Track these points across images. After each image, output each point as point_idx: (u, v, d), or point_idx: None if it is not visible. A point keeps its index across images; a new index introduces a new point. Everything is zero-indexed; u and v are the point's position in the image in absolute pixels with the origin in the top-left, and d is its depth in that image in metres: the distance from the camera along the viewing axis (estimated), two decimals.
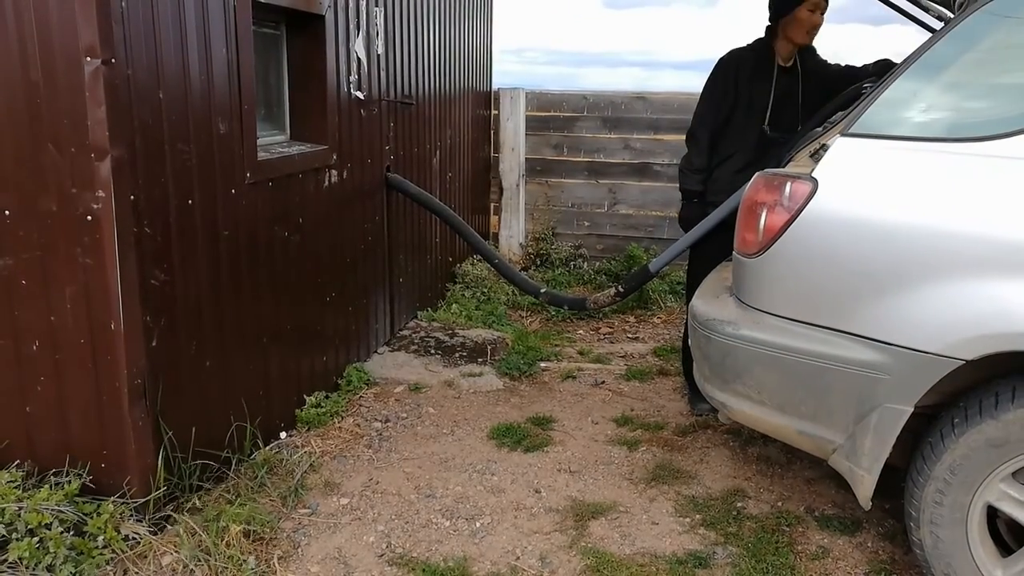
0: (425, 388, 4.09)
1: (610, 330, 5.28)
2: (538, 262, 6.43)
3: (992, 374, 2.17)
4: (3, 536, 2.35)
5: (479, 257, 5.47)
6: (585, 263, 6.42)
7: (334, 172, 3.77)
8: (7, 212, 2.44)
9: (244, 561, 2.53)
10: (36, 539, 2.34)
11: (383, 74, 4.27)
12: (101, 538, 2.44)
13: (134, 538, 2.51)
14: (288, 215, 3.37)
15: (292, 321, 3.46)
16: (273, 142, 3.49)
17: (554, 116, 6.47)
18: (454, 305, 5.34)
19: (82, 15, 2.25)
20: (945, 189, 2.18)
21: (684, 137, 3.77)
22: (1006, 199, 2.09)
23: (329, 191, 3.73)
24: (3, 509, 2.37)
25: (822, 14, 3.48)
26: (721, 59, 3.63)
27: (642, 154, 6.33)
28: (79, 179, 2.36)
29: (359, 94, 3.97)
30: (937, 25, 3.75)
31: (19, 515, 2.37)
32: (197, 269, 2.79)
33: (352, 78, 3.88)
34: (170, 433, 2.68)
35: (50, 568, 2.34)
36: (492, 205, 6.66)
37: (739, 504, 3.01)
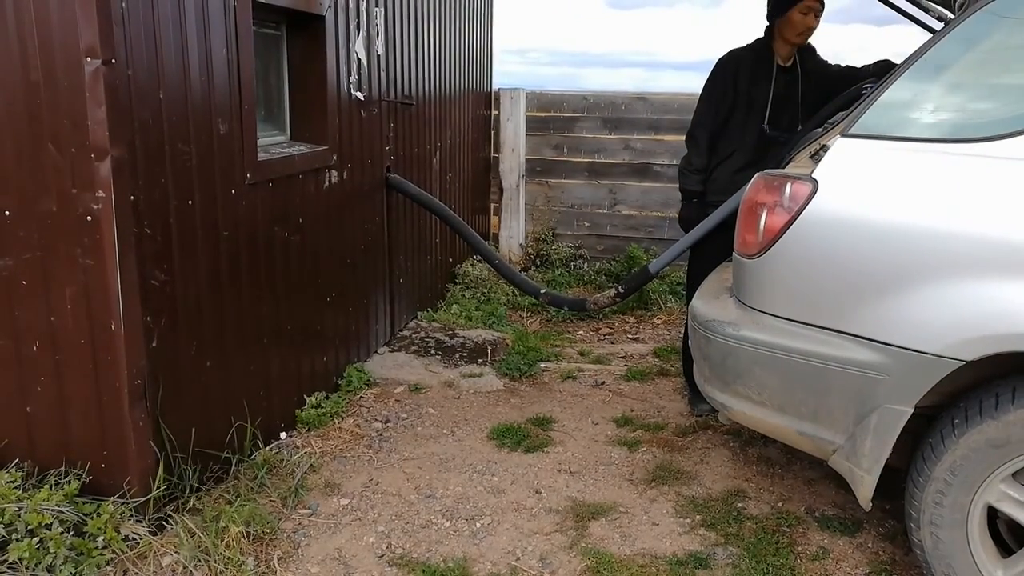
0: (425, 388, 4.09)
1: (610, 331, 5.28)
2: (538, 263, 6.43)
3: (992, 375, 2.16)
4: (3, 536, 2.35)
5: (479, 258, 5.47)
6: (585, 264, 6.42)
7: (334, 172, 3.77)
8: (7, 212, 2.44)
9: (244, 562, 2.53)
10: (36, 539, 2.34)
11: (383, 74, 4.27)
12: (101, 538, 2.44)
13: (134, 538, 2.51)
14: (288, 215, 3.37)
15: (292, 321, 3.45)
16: (273, 142, 3.49)
17: (554, 116, 6.48)
18: (454, 306, 5.34)
19: (82, 16, 2.25)
20: (945, 190, 2.18)
21: (684, 138, 3.77)
22: (1006, 200, 2.09)
23: (329, 191, 3.73)
24: (3, 509, 2.37)
25: (816, 17, 3.49)
26: (720, 59, 3.63)
27: (642, 155, 6.33)
28: (79, 179, 2.36)
29: (359, 94, 3.97)
30: (937, 26, 3.75)
31: (19, 515, 2.37)
32: (197, 269, 2.79)
33: (352, 78, 3.88)
34: (170, 433, 2.68)
35: (50, 568, 2.34)
36: (492, 205, 6.66)
37: (739, 505, 3.01)
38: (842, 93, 3.24)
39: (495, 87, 6.66)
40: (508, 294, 5.59)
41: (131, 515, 2.55)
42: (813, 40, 3.61)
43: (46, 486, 2.48)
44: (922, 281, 2.14)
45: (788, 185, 2.37)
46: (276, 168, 3.25)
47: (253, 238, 3.11)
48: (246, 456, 3.12)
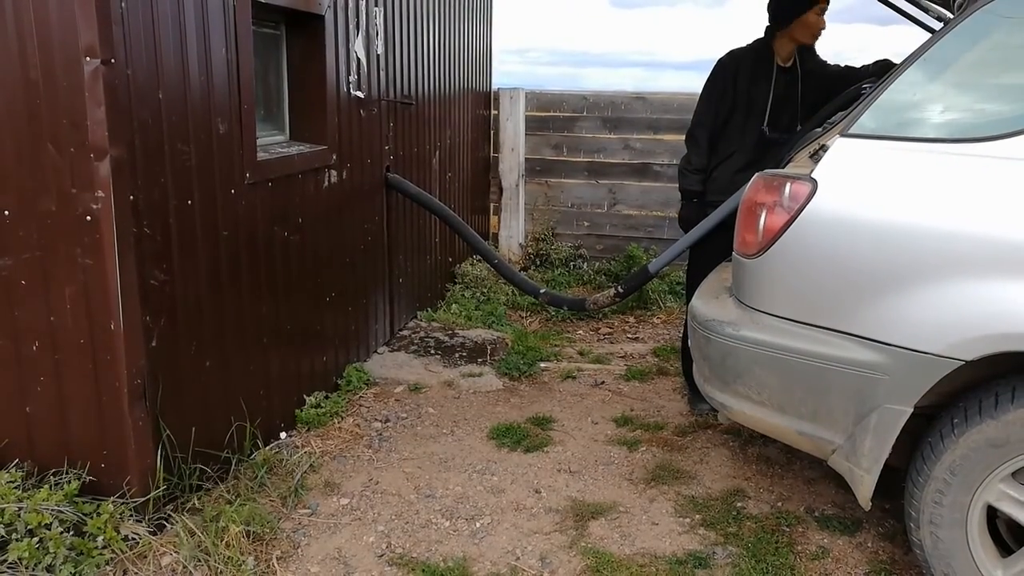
0: (425, 388, 4.09)
1: (610, 330, 5.28)
2: (538, 262, 6.43)
3: (991, 374, 2.17)
4: (3, 536, 2.34)
5: (479, 257, 5.47)
6: (585, 263, 6.42)
7: (334, 172, 3.77)
8: (7, 212, 2.44)
9: (243, 561, 2.53)
10: (36, 539, 2.34)
11: (383, 74, 4.27)
12: (101, 538, 2.44)
13: (133, 538, 2.51)
14: (288, 215, 3.37)
15: (292, 321, 3.45)
16: (273, 142, 3.49)
17: (554, 116, 6.48)
18: (454, 305, 5.35)
19: (82, 15, 2.25)
20: (945, 190, 2.18)
21: (684, 137, 3.77)
22: (1006, 200, 2.09)
23: (329, 191, 3.73)
24: (3, 509, 2.37)
25: (823, 16, 3.50)
26: (720, 59, 3.63)
27: (642, 154, 6.33)
28: (78, 179, 2.36)
29: (359, 94, 3.97)
30: (937, 25, 3.75)
31: (19, 515, 2.37)
32: (197, 269, 2.79)
33: (352, 78, 3.88)
34: (170, 433, 2.68)
35: (50, 568, 2.34)
36: (492, 205, 6.67)
37: (739, 504, 3.01)
38: (841, 93, 3.25)
39: (495, 87, 6.66)
40: (508, 294, 5.59)
41: (131, 515, 2.54)
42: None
43: (46, 486, 2.48)
44: (922, 281, 2.14)
45: (787, 185, 2.37)
46: (275, 168, 3.25)
47: (253, 238, 3.11)
48: (246, 456, 3.12)
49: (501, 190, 6.58)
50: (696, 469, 3.29)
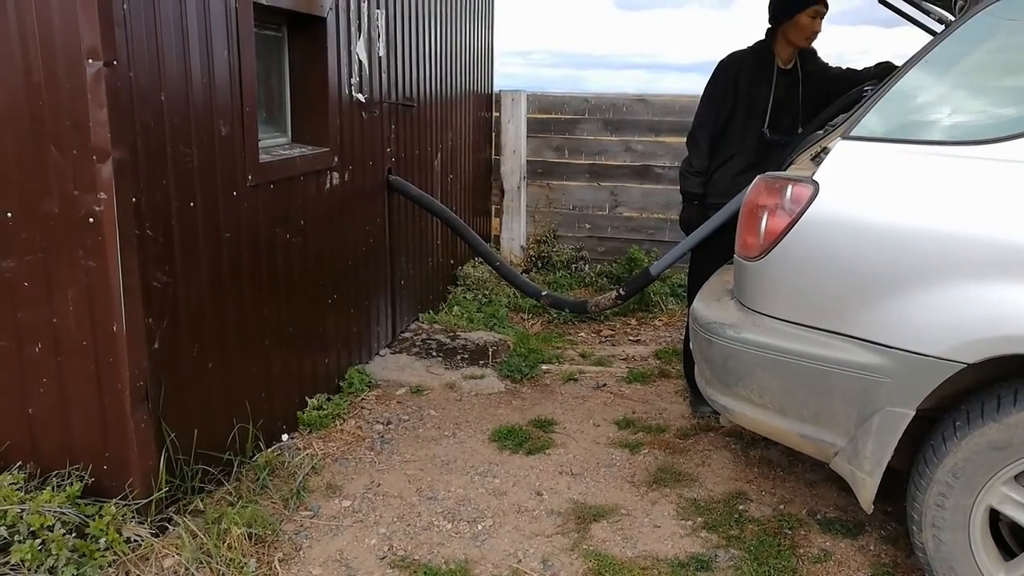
0: (427, 390, 4.09)
1: (611, 332, 5.28)
2: (539, 264, 6.43)
3: (993, 377, 2.16)
4: (5, 538, 2.35)
5: (480, 259, 5.47)
6: (586, 265, 6.42)
7: (335, 174, 3.77)
8: (9, 214, 2.45)
9: (245, 563, 2.53)
10: (38, 541, 2.34)
11: (384, 76, 4.28)
12: (103, 540, 2.44)
13: (136, 540, 2.51)
14: (289, 217, 3.37)
15: (294, 323, 3.46)
16: (274, 144, 3.50)
17: (555, 118, 6.48)
18: (455, 307, 5.35)
19: (84, 17, 2.25)
20: (946, 192, 2.18)
21: (685, 140, 3.77)
22: (1008, 202, 2.09)
23: (331, 193, 3.74)
24: (5, 511, 2.37)
25: (821, 20, 3.50)
26: (721, 61, 3.63)
27: (643, 156, 6.33)
28: (81, 181, 2.36)
29: (360, 96, 3.97)
30: (938, 28, 3.75)
31: (21, 517, 2.37)
32: (199, 271, 2.79)
33: (353, 80, 3.89)
34: (172, 435, 2.68)
35: (52, 570, 2.34)
36: (493, 207, 6.67)
37: (741, 507, 3.01)
38: (842, 95, 3.24)
39: (496, 89, 6.66)
40: (509, 296, 5.59)
41: (133, 517, 2.55)
42: (816, 42, 3.62)
43: (48, 488, 2.49)
44: (924, 284, 2.14)
45: (789, 187, 2.37)
46: (277, 170, 3.25)
47: (255, 240, 3.12)
48: (248, 458, 3.12)
49: (502, 192, 6.58)
50: (698, 472, 3.29)
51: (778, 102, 3.55)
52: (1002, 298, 2.04)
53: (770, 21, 3.56)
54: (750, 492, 3.12)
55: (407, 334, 4.84)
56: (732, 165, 3.59)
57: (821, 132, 2.81)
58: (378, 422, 3.70)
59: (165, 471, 2.64)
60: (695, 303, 2.81)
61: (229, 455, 3.02)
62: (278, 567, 2.58)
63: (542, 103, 6.51)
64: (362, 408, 3.84)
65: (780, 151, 3.29)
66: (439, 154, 5.33)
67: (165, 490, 2.64)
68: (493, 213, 6.67)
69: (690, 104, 6.02)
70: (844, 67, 3.72)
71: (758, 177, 2.56)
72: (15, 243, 2.46)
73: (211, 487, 2.90)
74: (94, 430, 2.56)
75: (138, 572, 2.46)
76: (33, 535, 2.35)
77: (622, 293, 4.08)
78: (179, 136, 2.64)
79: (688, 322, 2.96)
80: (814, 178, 2.33)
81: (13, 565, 2.30)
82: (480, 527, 2.88)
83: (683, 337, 4.21)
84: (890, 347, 2.19)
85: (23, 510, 2.38)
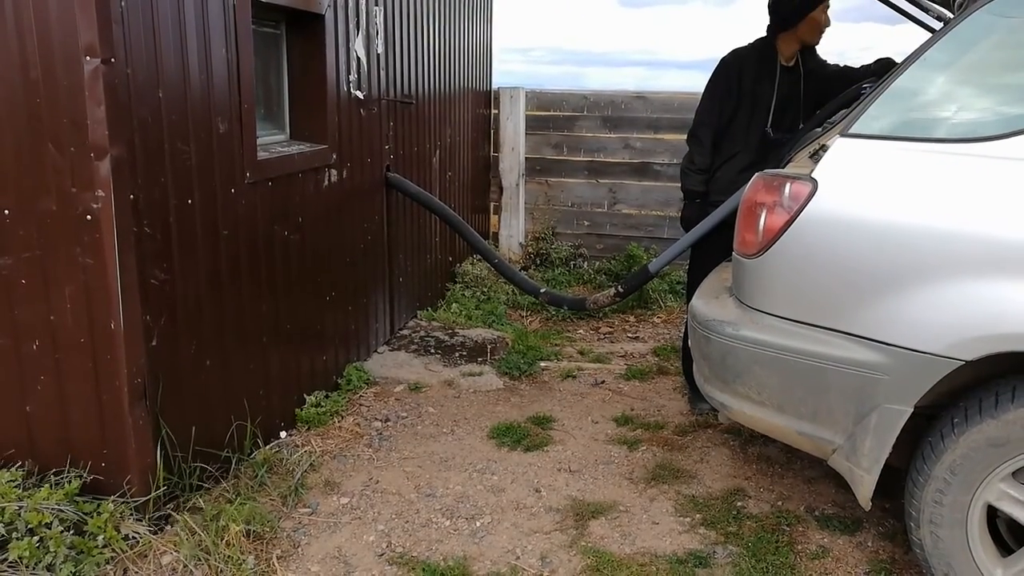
0: (425, 387, 4.09)
1: (610, 329, 5.28)
2: (538, 262, 6.43)
3: (991, 374, 2.16)
4: (3, 536, 2.35)
5: (479, 257, 5.47)
6: (585, 263, 6.42)
7: (334, 171, 3.77)
8: (7, 212, 2.44)
9: (244, 560, 2.53)
10: (36, 538, 2.34)
11: (383, 73, 4.27)
12: (101, 537, 2.44)
13: (134, 537, 2.52)
14: (288, 214, 3.37)
15: (292, 320, 3.46)
16: (273, 141, 3.49)
17: (554, 115, 6.47)
18: (454, 304, 5.35)
19: (82, 14, 2.25)
20: (945, 190, 2.18)
21: (684, 136, 3.76)
22: (1006, 200, 2.09)
23: (329, 190, 3.73)
24: (3, 508, 2.37)
25: (827, 13, 3.52)
26: (723, 59, 3.62)
27: (642, 153, 6.33)
28: (79, 178, 2.36)
29: (359, 93, 3.97)
30: (936, 25, 3.75)
31: (19, 514, 2.37)
32: (197, 268, 2.79)
33: (352, 77, 3.88)
34: (170, 432, 2.68)
35: (50, 567, 2.34)
36: (492, 204, 6.67)
37: (739, 503, 3.01)
38: (841, 93, 3.24)
39: (495, 86, 6.66)
40: (508, 293, 5.59)
41: (131, 514, 2.55)
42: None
43: (46, 485, 2.49)
44: (922, 281, 2.14)
45: (787, 185, 2.37)
46: (276, 167, 3.25)
47: (253, 237, 3.11)
48: (246, 455, 3.12)
49: (501, 189, 6.58)
50: (696, 468, 3.29)
51: (780, 99, 3.55)
52: (1000, 295, 2.04)
53: (780, 20, 3.52)
54: (748, 489, 3.12)
55: (405, 331, 4.84)
56: (735, 163, 3.58)
57: (820, 129, 2.81)
58: (376, 419, 3.70)
59: (163, 468, 2.64)
60: (694, 300, 2.81)
61: (227, 452, 3.02)
62: (276, 564, 2.58)
63: (541, 100, 6.51)
64: (360, 405, 3.84)
65: (781, 149, 3.28)
66: (438, 151, 5.33)
67: (163, 487, 2.64)
68: (492, 210, 6.67)
69: (689, 101, 6.04)
70: (842, 64, 3.72)
71: (756, 175, 2.56)
72: (13, 240, 2.46)
73: (209, 484, 2.90)
74: (92, 427, 2.56)
75: (136, 569, 2.46)
76: (31, 532, 2.35)
77: (620, 290, 4.08)
78: (177, 133, 2.64)
79: (687, 319, 2.96)
80: (812, 175, 2.33)
81: (11, 562, 2.31)
82: (478, 524, 2.88)
83: (682, 334, 4.22)
84: (888, 344, 2.19)
85: (21, 507, 2.38)
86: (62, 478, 2.56)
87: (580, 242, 6.51)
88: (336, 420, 3.61)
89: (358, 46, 3.92)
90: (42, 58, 2.30)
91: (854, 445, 2.32)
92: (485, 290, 5.61)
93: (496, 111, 6.53)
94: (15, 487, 2.45)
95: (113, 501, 2.52)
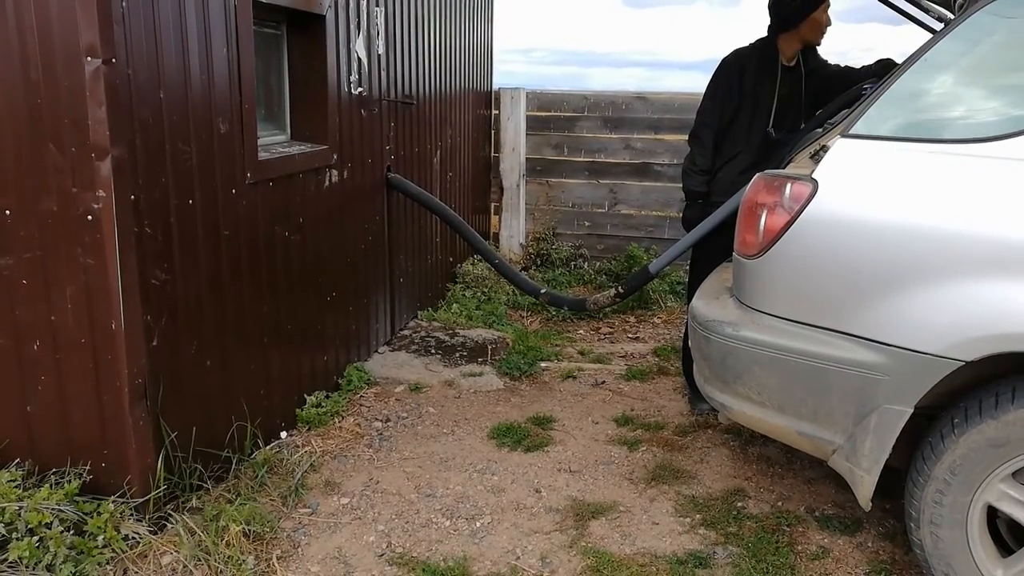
0: (425, 388, 4.09)
1: (610, 330, 5.28)
2: (538, 262, 6.43)
3: (991, 375, 2.16)
4: (3, 535, 2.35)
5: (479, 257, 5.47)
6: (585, 263, 6.42)
7: (335, 172, 3.77)
8: (8, 212, 2.44)
9: (244, 561, 2.53)
10: (36, 538, 2.34)
11: (384, 74, 4.27)
12: (101, 537, 2.44)
13: (134, 537, 2.52)
14: (289, 215, 3.37)
15: (292, 321, 3.46)
16: (274, 142, 3.49)
17: (555, 116, 6.47)
18: (454, 305, 5.35)
19: (83, 15, 2.25)
20: (946, 191, 2.18)
21: (685, 137, 3.76)
22: (1007, 200, 2.09)
23: (330, 191, 3.73)
24: (3, 508, 2.37)
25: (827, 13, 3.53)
26: (725, 59, 3.61)
27: (643, 154, 6.33)
28: (80, 179, 2.36)
29: (360, 94, 3.97)
30: (937, 26, 3.75)
31: (19, 514, 2.37)
32: (198, 269, 2.79)
33: (353, 78, 3.88)
34: (170, 433, 2.68)
35: (50, 567, 2.34)
36: (492, 205, 6.67)
37: (739, 504, 3.01)
38: (842, 93, 3.24)
39: (496, 86, 6.66)
40: (508, 293, 5.59)
41: (131, 514, 2.55)
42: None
43: (46, 485, 2.49)
44: (922, 281, 2.14)
45: (788, 185, 2.37)
46: (276, 167, 3.25)
47: (253, 237, 3.11)
48: (246, 455, 3.12)
49: (502, 190, 6.58)
50: (696, 469, 3.29)
51: (782, 100, 3.54)
52: (1000, 296, 2.04)
53: (782, 21, 3.52)
54: (748, 489, 3.12)
55: (406, 331, 4.84)
56: (736, 163, 3.57)
57: (820, 130, 2.81)
58: (377, 419, 3.70)
59: (163, 468, 2.64)
60: (694, 301, 2.81)
61: (227, 452, 3.02)
62: (276, 564, 2.59)
63: (541, 101, 6.51)
64: (361, 406, 3.84)
65: (782, 149, 3.28)
66: (438, 152, 5.33)
67: (163, 487, 2.64)
68: (492, 211, 6.67)
69: (689, 102, 6.04)
70: (843, 65, 3.72)
71: (757, 175, 2.57)
72: (14, 241, 2.46)
73: (209, 485, 2.90)
74: (92, 427, 2.56)
75: (136, 570, 2.46)
76: (31, 532, 2.35)
77: (621, 291, 4.08)
78: (178, 134, 2.64)
79: (687, 319, 2.96)
80: (813, 176, 2.33)
81: (11, 563, 2.31)
82: (479, 524, 2.88)
83: (682, 334, 4.22)
84: (888, 345, 2.19)
85: (21, 507, 2.38)
86: (62, 478, 2.56)
87: (580, 243, 6.51)
88: (336, 420, 3.61)
89: (359, 47, 3.93)
90: (43, 58, 2.30)
91: (854, 445, 2.32)
92: (486, 290, 5.61)
93: (497, 112, 6.53)
94: (15, 487, 2.45)
95: (113, 501, 2.52)
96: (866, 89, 2.88)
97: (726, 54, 3.63)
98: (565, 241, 6.53)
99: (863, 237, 2.24)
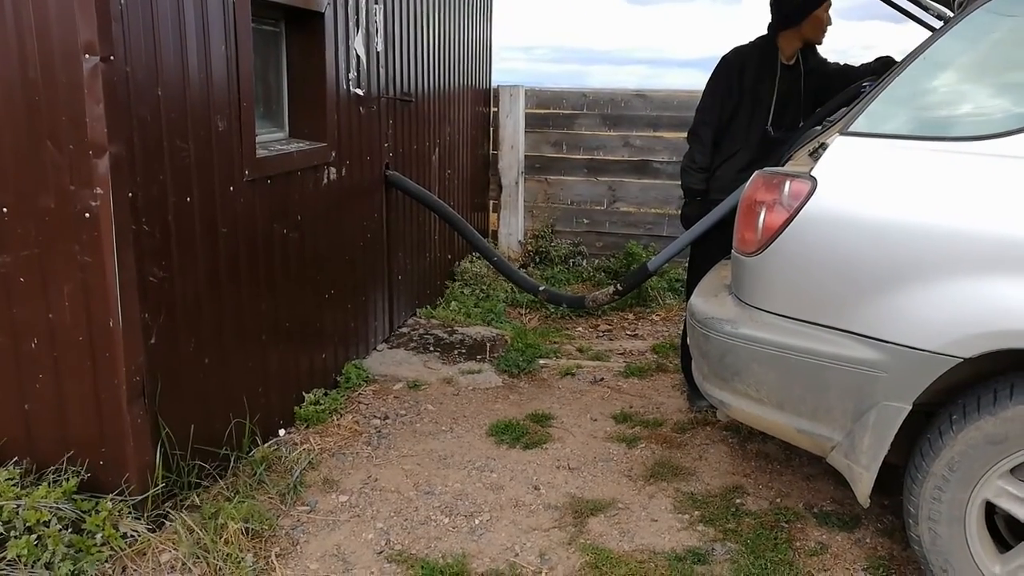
0: (424, 385, 4.09)
1: (609, 327, 5.28)
2: (537, 260, 6.43)
3: (989, 371, 2.17)
4: (1, 534, 2.35)
5: (478, 255, 5.47)
6: (584, 261, 6.42)
7: (333, 169, 3.77)
8: (5, 209, 2.44)
9: (242, 558, 2.53)
10: (34, 536, 2.34)
11: (382, 71, 4.27)
12: (99, 535, 2.44)
13: (132, 535, 2.52)
14: (287, 212, 3.37)
15: (291, 318, 3.45)
16: (272, 139, 3.49)
17: (554, 113, 6.47)
18: (453, 302, 5.35)
19: (81, 12, 2.25)
20: (944, 188, 2.18)
21: (684, 134, 3.76)
22: (1005, 198, 2.09)
23: (328, 188, 3.73)
24: (1, 507, 2.37)
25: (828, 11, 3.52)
26: (724, 57, 3.61)
27: (641, 151, 6.32)
28: (77, 176, 2.36)
29: (358, 91, 3.97)
30: (937, 24, 3.75)
31: (17, 513, 2.37)
32: (195, 266, 2.79)
33: (351, 75, 3.88)
34: (168, 430, 2.68)
35: (48, 566, 2.34)
36: (491, 203, 6.67)
37: (738, 501, 3.02)
38: (841, 91, 3.24)
39: (494, 84, 6.65)
40: (507, 291, 5.59)
41: (130, 512, 2.55)
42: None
43: (44, 483, 2.49)
44: (921, 278, 2.14)
45: (787, 183, 2.37)
46: (275, 165, 3.25)
47: (252, 235, 3.11)
48: (245, 453, 3.12)
49: (500, 187, 6.58)
50: (695, 466, 3.29)
51: (782, 97, 3.54)
52: (998, 293, 2.04)
53: (784, 18, 3.51)
54: (747, 486, 3.13)
55: (404, 329, 4.84)
56: (735, 161, 3.57)
57: (819, 128, 2.81)
58: (375, 417, 3.70)
59: (162, 466, 2.64)
60: (693, 298, 2.81)
61: (226, 450, 3.02)
62: (275, 562, 2.59)
63: (540, 98, 6.51)
64: (359, 403, 3.84)
65: (781, 147, 3.28)
66: (437, 149, 5.32)
67: (162, 485, 2.64)
68: (491, 208, 6.67)
69: (688, 99, 6.04)
70: (843, 63, 3.71)
71: (756, 173, 2.57)
72: (11, 238, 2.46)
73: (208, 482, 2.90)
74: (90, 425, 2.56)
75: (135, 567, 2.46)
76: (29, 530, 2.35)
77: (620, 288, 4.09)
78: (176, 131, 2.64)
79: (686, 317, 2.96)
80: (812, 174, 2.33)
81: (9, 561, 2.31)
82: (477, 521, 2.88)
83: (680, 331, 4.22)
84: (887, 342, 2.19)
85: (19, 505, 2.38)
86: (60, 476, 2.55)
87: (579, 240, 6.51)
88: (335, 418, 3.61)
89: (358, 44, 3.92)
90: (41, 56, 2.30)
91: (853, 442, 2.32)
92: (484, 288, 5.61)
93: (495, 109, 6.52)
94: (13, 485, 2.45)
95: (111, 499, 2.52)
96: (865, 87, 2.88)
97: (726, 51, 3.63)
98: (564, 238, 6.52)
99: (862, 234, 2.24)
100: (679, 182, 3.77)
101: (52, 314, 2.49)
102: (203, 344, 2.87)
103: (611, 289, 4.11)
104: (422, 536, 2.79)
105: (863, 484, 2.33)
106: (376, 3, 4.13)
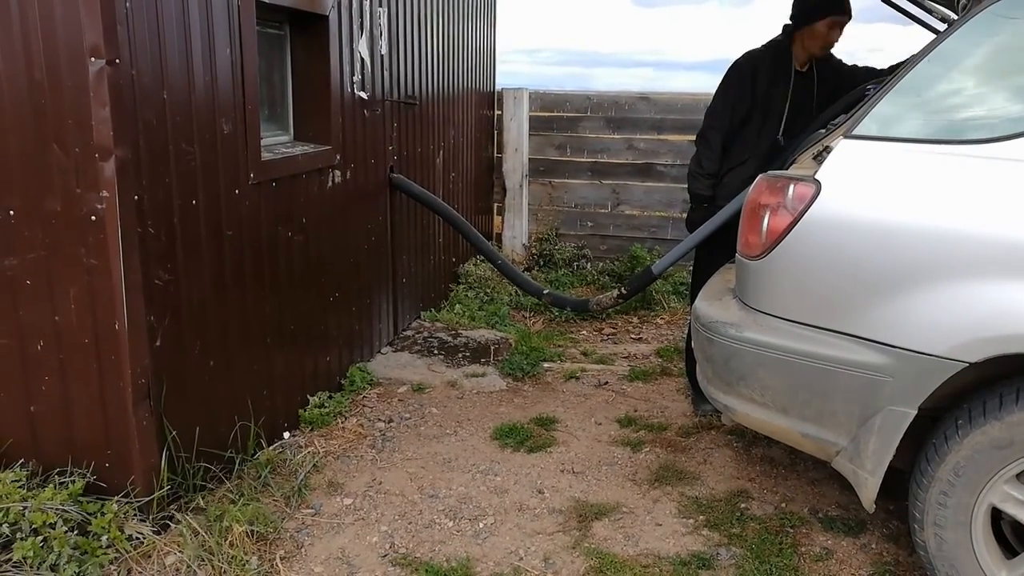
0: (428, 388, 4.10)
1: (613, 331, 5.28)
2: (541, 263, 6.43)
3: (995, 376, 2.16)
4: (7, 536, 2.35)
5: (482, 258, 5.47)
6: (588, 264, 6.42)
7: (338, 172, 3.77)
8: (12, 212, 2.45)
9: (247, 561, 2.53)
10: (40, 538, 2.34)
11: (386, 74, 4.28)
12: (105, 538, 2.45)
13: (138, 538, 2.52)
14: (292, 215, 3.38)
15: (296, 321, 3.46)
16: (277, 142, 3.50)
17: (558, 116, 6.47)
18: (457, 306, 5.35)
19: (86, 15, 2.25)
20: (949, 191, 2.17)
21: (688, 138, 3.75)
22: (1010, 201, 2.09)
23: (333, 191, 3.74)
24: (7, 508, 2.38)
25: (840, 32, 3.43)
26: (737, 61, 3.56)
27: (646, 154, 6.32)
28: (83, 179, 2.36)
29: (363, 94, 3.97)
30: (941, 27, 3.74)
31: (23, 514, 2.37)
32: (201, 269, 2.80)
33: (356, 78, 3.89)
34: (174, 433, 2.69)
35: (54, 567, 2.34)
36: (495, 205, 6.67)
37: (743, 505, 3.01)
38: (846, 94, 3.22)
39: (499, 87, 6.66)
40: (511, 294, 5.59)
41: (135, 514, 2.55)
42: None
43: (50, 485, 2.49)
44: (926, 283, 2.14)
45: (791, 186, 2.37)
46: (280, 168, 3.25)
47: (257, 238, 3.12)
48: (250, 455, 3.12)
49: (505, 190, 6.58)
50: (700, 470, 3.29)
51: (794, 105, 3.48)
52: (1004, 297, 2.04)
53: (792, 20, 3.48)
54: (752, 490, 3.12)
55: (409, 332, 4.84)
56: (743, 170, 3.49)
57: (823, 131, 2.81)
58: (380, 420, 3.70)
59: (167, 469, 2.65)
60: (697, 302, 2.81)
61: (231, 453, 3.02)
62: (280, 565, 2.59)
63: (544, 101, 6.51)
64: (364, 406, 3.84)
65: (790, 156, 3.25)
66: (441, 152, 5.33)
67: (167, 488, 2.65)
68: (495, 211, 6.67)
69: (692, 102, 6.04)
70: (861, 65, 3.64)
71: (760, 176, 2.56)
72: (17, 241, 2.47)
73: (213, 485, 2.90)
74: (96, 428, 2.56)
75: (140, 570, 2.46)
76: (35, 532, 2.36)
77: (624, 292, 4.08)
78: (181, 134, 2.65)
79: (690, 321, 2.96)
80: (816, 177, 2.33)
81: (15, 563, 2.31)
82: (482, 525, 2.88)
83: (685, 335, 4.21)
84: (893, 346, 2.19)
85: (25, 507, 2.39)
86: (66, 478, 2.56)
87: (583, 243, 6.51)
88: (339, 421, 3.61)
89: (362, 47, 3.93)
90: (47, 59, 2.31)
91: (858, 447, 2.32)
92: (488, 291, 5.61)
93: (500, 112, 6.53)
94: (19, 487, 2.46)
95: (117, 501, 2.53)
96: (869, 90, 2.87)
97: (737, 56, 3.57)
98: (568, 242, 6.52)
99: (866, 238, 2.24)
100: (683, 185, 3.75)
101: (58, 316, 2.50)
102: (208, 347, 2.87)
103: (615, 293, 4.10)
104: (426, 539, 2.79)
105: (868, 489, 2.32)
106: (380, 6, 4.14)
